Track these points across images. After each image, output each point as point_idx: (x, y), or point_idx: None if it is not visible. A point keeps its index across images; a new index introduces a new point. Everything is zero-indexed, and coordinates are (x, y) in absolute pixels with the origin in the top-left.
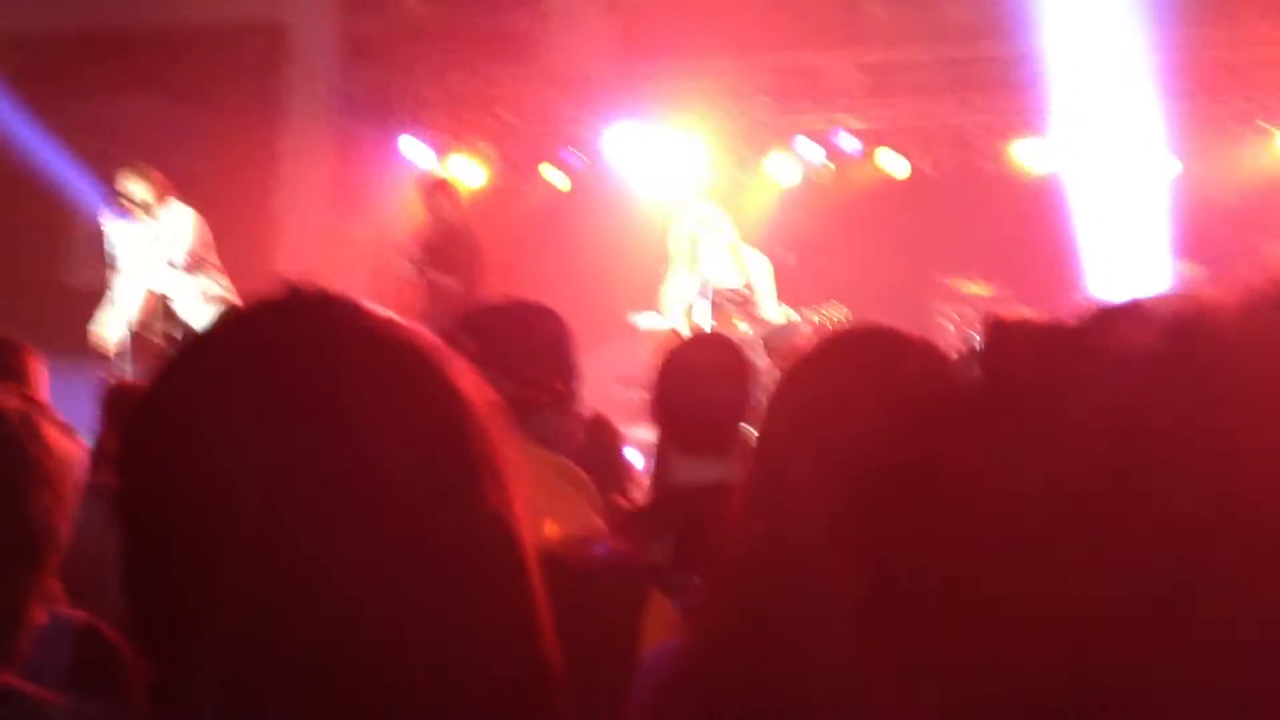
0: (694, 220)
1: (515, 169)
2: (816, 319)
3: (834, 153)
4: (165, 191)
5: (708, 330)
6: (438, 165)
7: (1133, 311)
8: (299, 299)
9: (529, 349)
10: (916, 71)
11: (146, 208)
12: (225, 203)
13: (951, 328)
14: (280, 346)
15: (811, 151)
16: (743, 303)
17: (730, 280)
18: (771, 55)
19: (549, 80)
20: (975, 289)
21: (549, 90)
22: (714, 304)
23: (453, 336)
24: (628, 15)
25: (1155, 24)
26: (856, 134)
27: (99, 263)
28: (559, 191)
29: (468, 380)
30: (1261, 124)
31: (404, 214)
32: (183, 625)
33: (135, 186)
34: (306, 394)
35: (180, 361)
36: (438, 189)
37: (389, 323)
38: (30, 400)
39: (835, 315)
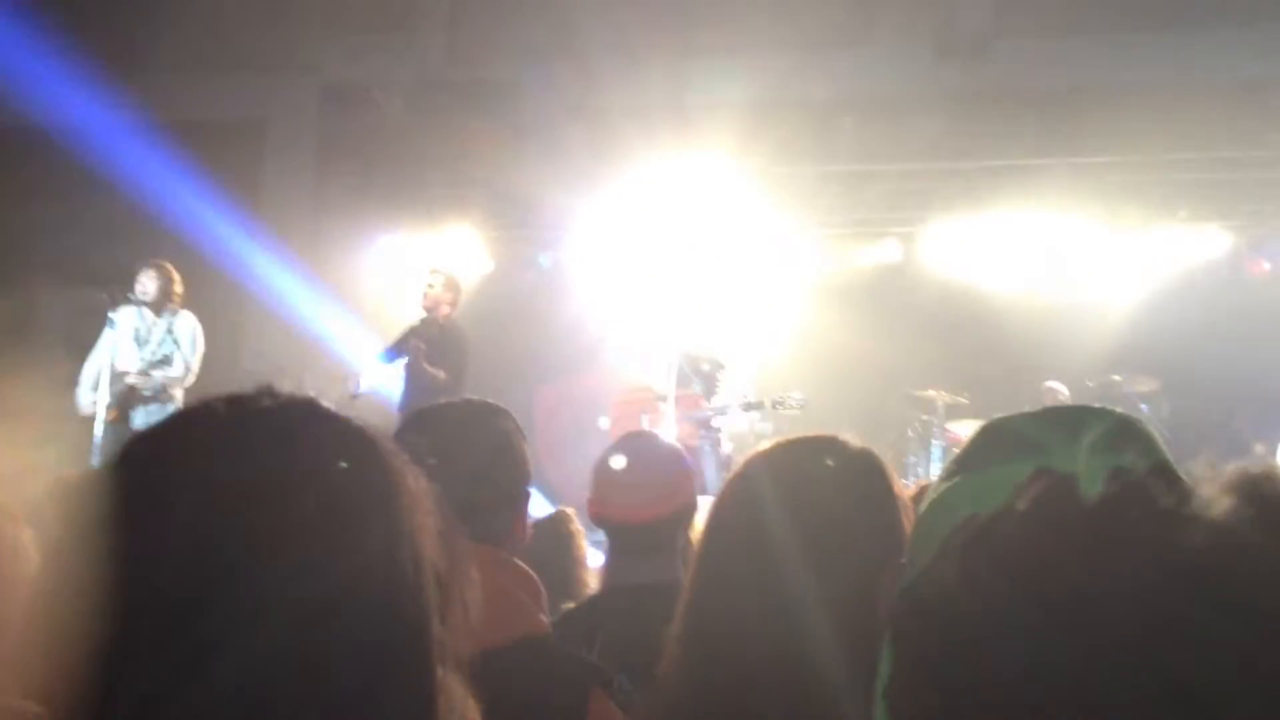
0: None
1: (496, 260)
2: (771, 404)
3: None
4: (174, 293)
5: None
6: (415, 259)
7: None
8: (249, 400)
9: (478, 448)
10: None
11: (155, 305)
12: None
13: (910, 434)
14: (222, 441)
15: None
16: (709, 379)
17: (703, 352)
18: (746, 165)
19: (523, 176)
20: (939, 397)
21: (523, 185)
22: (686, 371)
23: (401, 434)
24: (596, 119)
25: None
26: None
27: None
28: (533, 284)
29: (407, 475)
30: None
31: (378, 307)
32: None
33: (151, 283)
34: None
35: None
36: (433, 285)
37: (340, 423)
38: None
39: (794, 401)
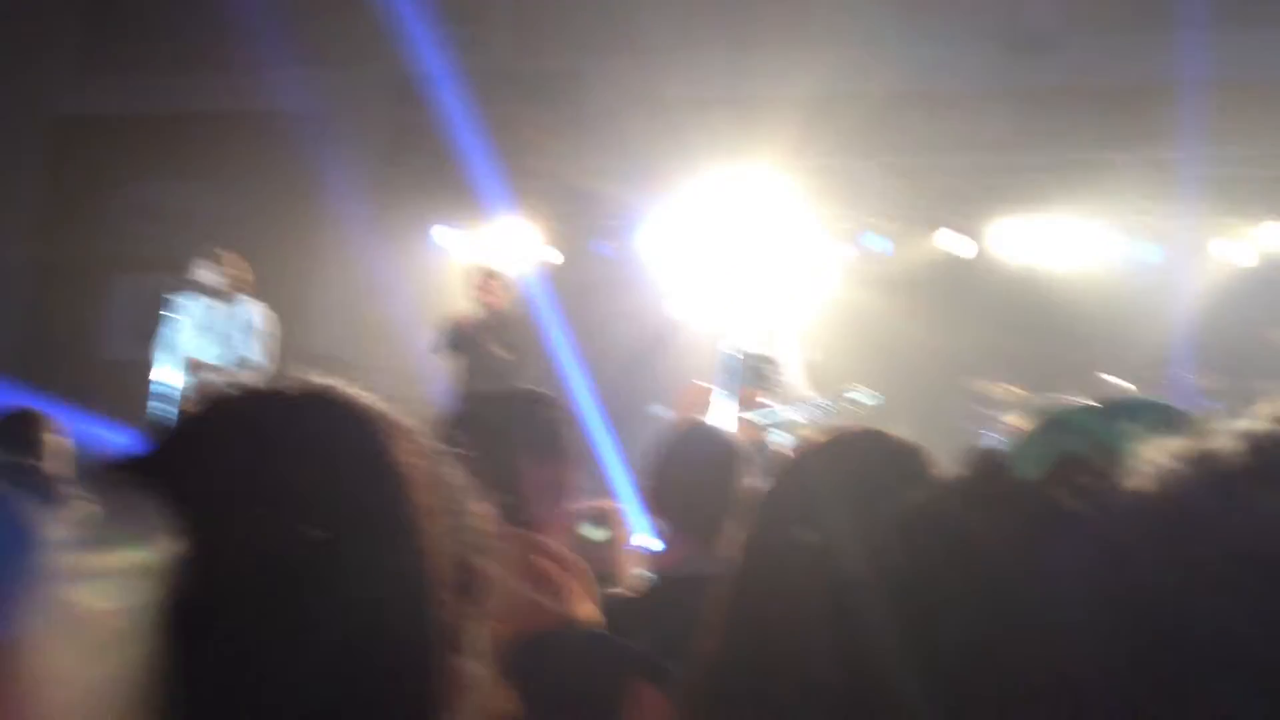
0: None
1: (559, 249)
2: (839, 403)
3: (865, 250)
4: (242, 282)
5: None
6: (472, 252)
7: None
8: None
9: (522, 435)
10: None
11: (219, 294)
12: (265, 286)
13: (972, 428)
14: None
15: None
16: (766, 376)
17: (762, 348)
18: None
19: (587, 174)
20: (999, 390)
21: (586, 179)
22: (743, 367)
23: (444, 429)
24: (666, 112)
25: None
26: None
27: (137, 337)
28: (595, 277)
29: (431, 463)
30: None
31: (438, 300)
32: None
33: (212, 273)
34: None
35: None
36: (489, 278)
37: (378, 426)
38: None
39: (862, 399)
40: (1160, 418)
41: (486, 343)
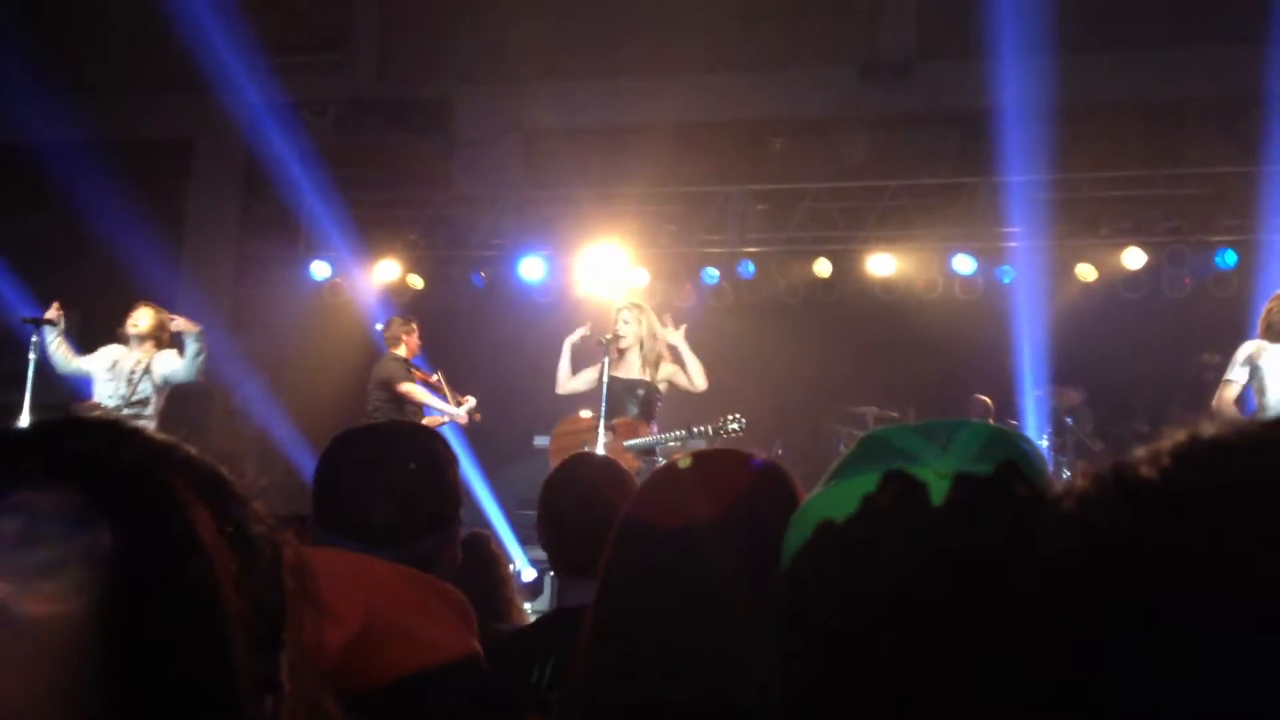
0: (632, 315)
1: (426, 283)
2: (712, 430)
3: (734, 277)
4: (166, 336)
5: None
6: (340, 282)
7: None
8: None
9: (404, 470)
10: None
11: (140, 340)
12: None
13: (843, 449)
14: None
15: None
16: (644, 404)
17: (637, 375)
18: (678, 188)
19: (457, 202)
20: (871, 413)
21: (457, 211)
22: (613, 394)
23: (327, 456)
24: (532, 142)
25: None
26: (755, 259)
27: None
28: (464, 309)
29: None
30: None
31: (300, 332)
32: None
33: (144, 320)
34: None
35: None
36: (395, 323)
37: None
38: None
39: (733, 425)
40: (984, 439)
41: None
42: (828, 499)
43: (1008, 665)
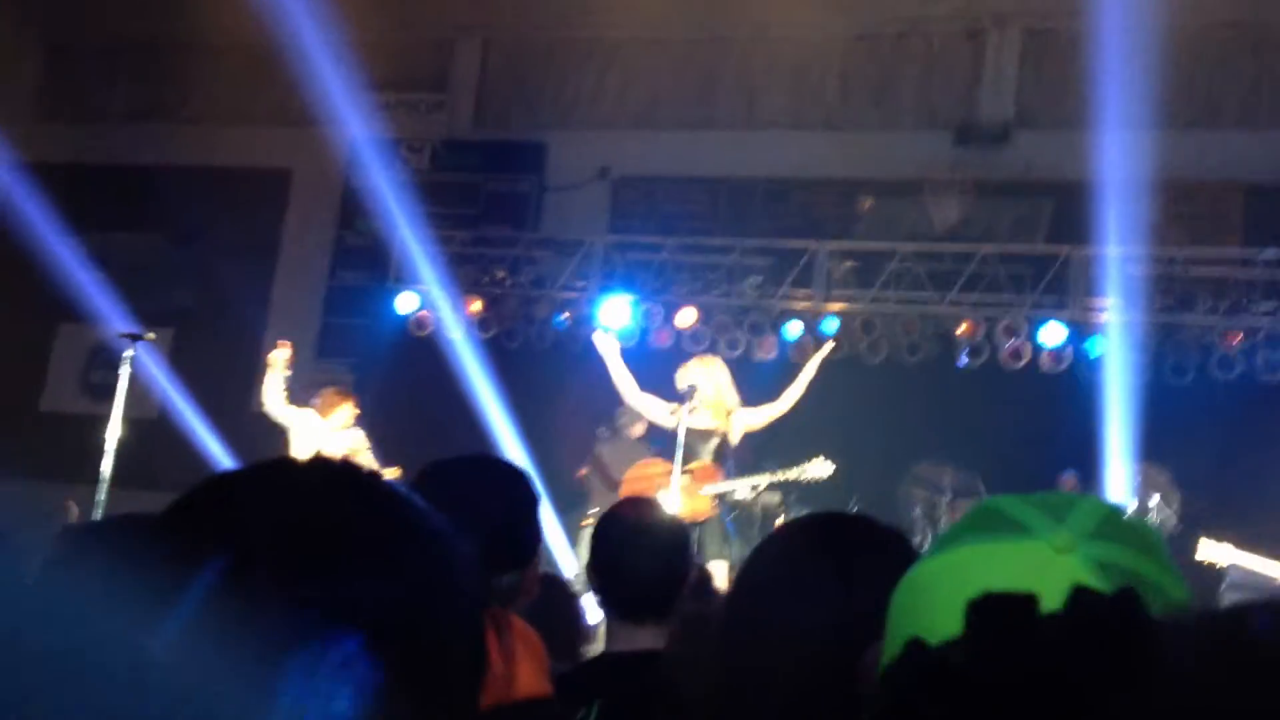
0: (701, 371)
1: (509, 321)
2: (793, 474)
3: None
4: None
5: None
6: (426, 315)
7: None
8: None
9: (495, 506)
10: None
11: (339, 433)
12: (217, 341)
13: (918, 509)
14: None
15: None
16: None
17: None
18: (762, 240)
19: (545, 244)
20: (947, 474)
21: (544, 253)
22: (687, 442)
23: (416, 489)
24: (620, 189)
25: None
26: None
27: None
28: (544, 350)
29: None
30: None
31: (383, 361)
32: None
33: (341, 417)
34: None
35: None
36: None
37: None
38: None
39: (817, 472)
40: (1104, 516)
41: None
42: (936, 569)
43: None
